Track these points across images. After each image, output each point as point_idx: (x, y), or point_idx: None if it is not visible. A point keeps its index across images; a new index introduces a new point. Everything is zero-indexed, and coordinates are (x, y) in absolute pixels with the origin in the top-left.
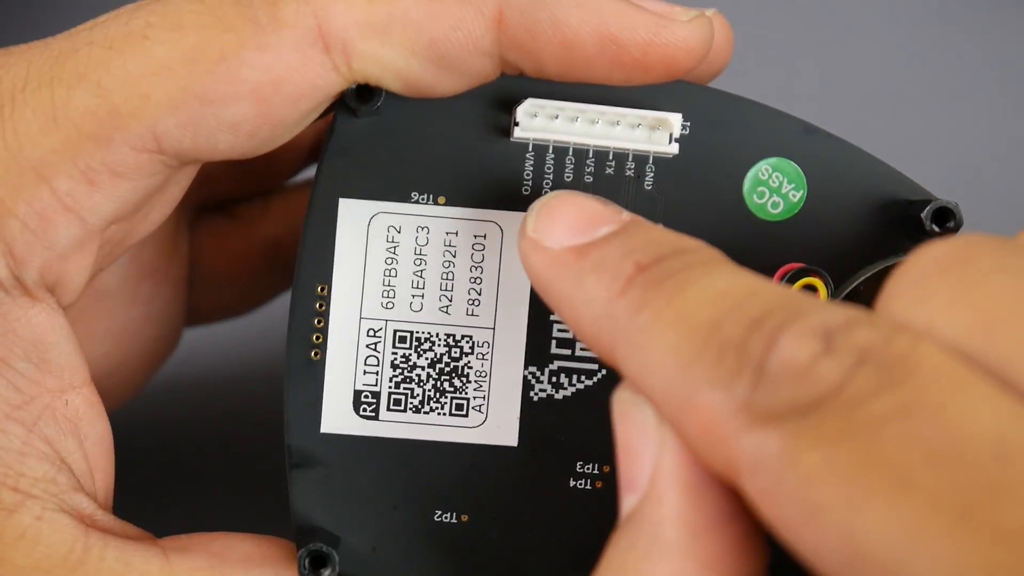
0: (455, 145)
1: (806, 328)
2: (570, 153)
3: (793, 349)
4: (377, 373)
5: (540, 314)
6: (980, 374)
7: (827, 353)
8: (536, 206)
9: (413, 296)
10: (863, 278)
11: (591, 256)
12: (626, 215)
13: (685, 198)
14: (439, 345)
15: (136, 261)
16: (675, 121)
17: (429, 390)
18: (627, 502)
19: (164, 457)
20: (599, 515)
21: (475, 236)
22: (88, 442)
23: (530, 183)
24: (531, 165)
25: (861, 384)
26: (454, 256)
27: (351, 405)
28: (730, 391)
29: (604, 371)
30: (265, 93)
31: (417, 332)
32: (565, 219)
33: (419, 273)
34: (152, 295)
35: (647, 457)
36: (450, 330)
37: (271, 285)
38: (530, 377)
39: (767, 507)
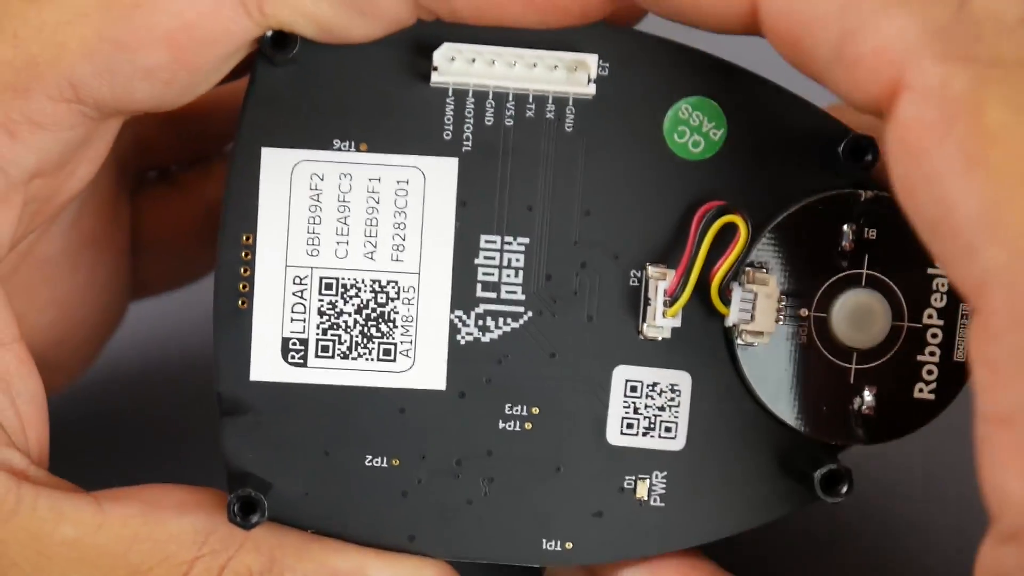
0: (375, 91)
1: None
2: (490, 97)
3: (999, 2)
4: (304, 320)
5: (465, 258)
6: None
7: None
8: None
9: (338, 243)
10: (786, 213)
11: None
12: None
13: (606, 139)
14: (365, 291)
15: (77, 228)
16: (591, 62)
17: (356, 336)
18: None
19: (111, 433)
20: (529, 457)
21: (398, 182)
22: (20, 399)
23: (451, 128)
24: (452, 110)
25: None
26: (377, 202)
27: (279, 353)
28: (925, 16)
29: (530, 313)
30: (179, 38)
31: (343, 279)
32: None
33: (343, 220)
34: (95, 262)
35: None
36: (375, 276)
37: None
38: (456, 321)
39: (917, 140)
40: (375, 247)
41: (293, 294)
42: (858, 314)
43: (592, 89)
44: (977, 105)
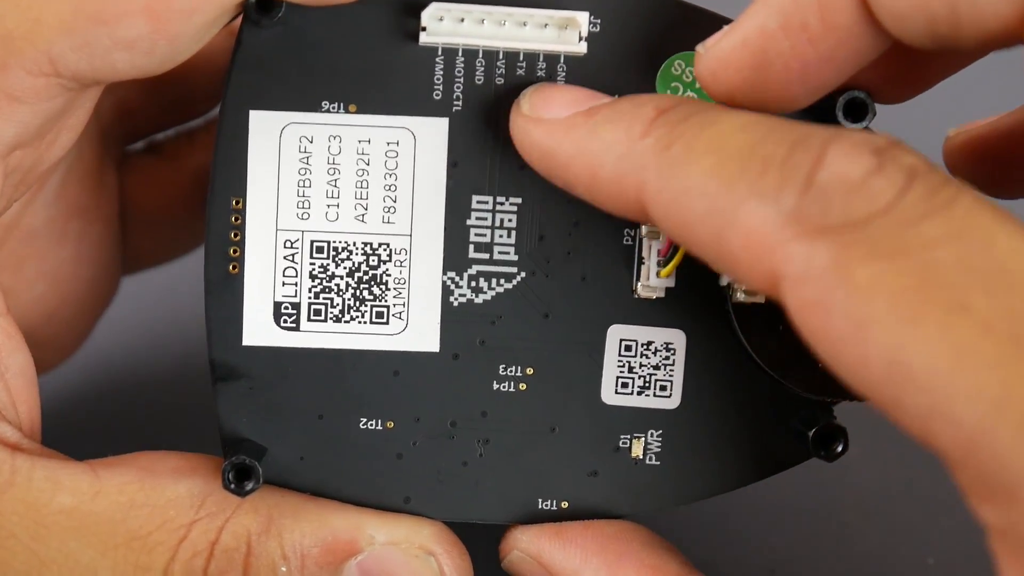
0: (363, 52)
1: (854, 145)
2: (480, 56)
3: (844, 164)
4: (296, 284)
5: (457, 219)
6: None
7: (879, 170)
8: (528, 91)
9: (328, 206)
10: None
11: (602, 113)
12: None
13: None
14: (357, 254)
15: (62, 199)
16: (582, 20)
17: (349, 299)
18: None
19: (105, 409)
20: (523, 417)
21: (388, 143)
22: (9, 373)
23: (441, 87)
24: (441, 69)
25: (913, 203)
26: (368, 164)
27: (271, 317)
28: (777, 202)
29: (523, 274)
30: (157, 8)
31: (334, 242)
32: (563, 98)
33: (333, 183)
34: (82, 233)
35: None
36: (367, 238)
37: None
38: (449, 282)
39: (811, 318)
40: (366, 209)
41: (284, 258)
42: None
43: (583, 47)
44: (843, 272)
